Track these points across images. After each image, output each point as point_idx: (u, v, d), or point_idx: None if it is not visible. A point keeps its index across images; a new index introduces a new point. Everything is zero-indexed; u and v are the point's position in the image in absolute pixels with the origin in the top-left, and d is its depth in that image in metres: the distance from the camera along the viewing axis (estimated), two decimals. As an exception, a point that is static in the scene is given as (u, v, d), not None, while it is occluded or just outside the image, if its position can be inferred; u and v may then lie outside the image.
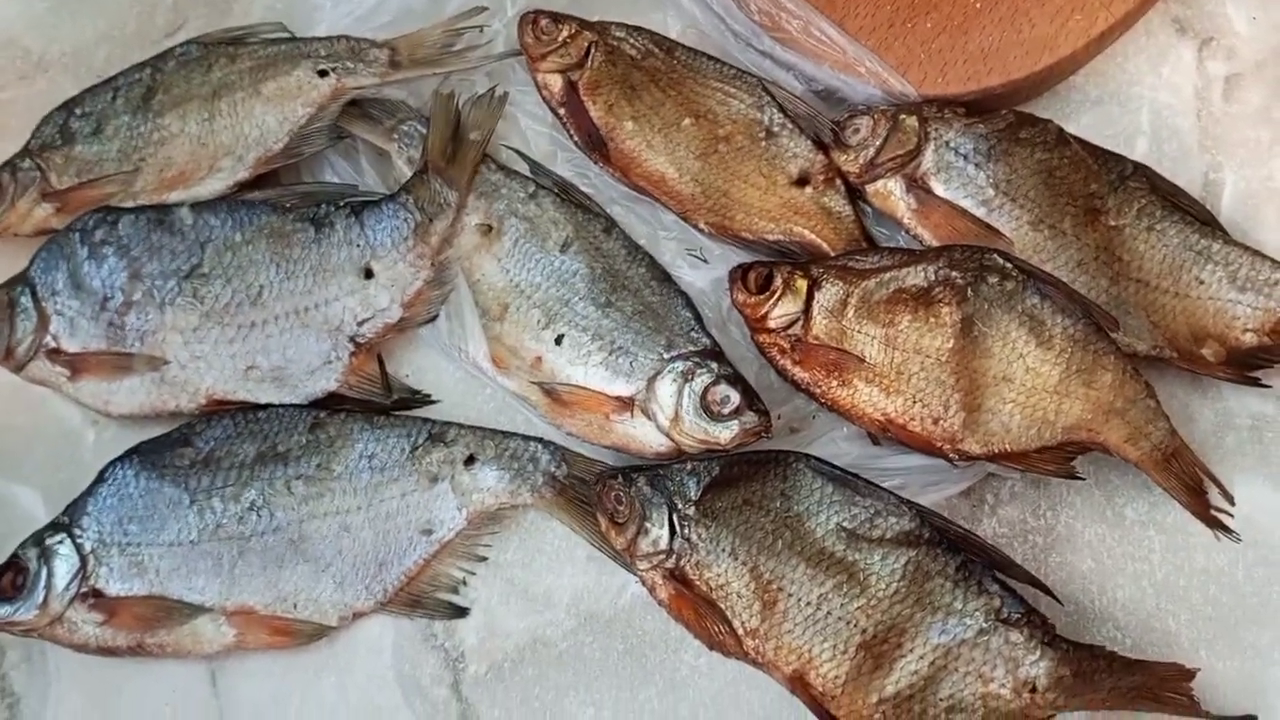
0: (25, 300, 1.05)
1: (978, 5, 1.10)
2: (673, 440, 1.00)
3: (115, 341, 1.04)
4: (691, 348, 1.01)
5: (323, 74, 1.11)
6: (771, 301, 1.01)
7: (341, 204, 1.07)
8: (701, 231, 1.09)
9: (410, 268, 1.06)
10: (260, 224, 1.06)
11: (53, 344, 1.04)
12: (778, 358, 1.01)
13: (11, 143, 1.13)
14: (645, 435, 1.00)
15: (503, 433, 1.04)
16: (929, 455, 0.98)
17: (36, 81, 1.20)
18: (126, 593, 0.99)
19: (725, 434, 0.98)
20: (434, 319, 1.07)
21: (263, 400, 1.04)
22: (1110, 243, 1.03)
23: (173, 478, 1.00)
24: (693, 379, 0.99)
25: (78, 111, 1.13)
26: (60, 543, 0.99)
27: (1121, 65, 1.14)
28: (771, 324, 1.01)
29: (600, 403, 1.01)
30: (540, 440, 1.03)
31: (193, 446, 1.02)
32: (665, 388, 1.00)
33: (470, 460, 1.02)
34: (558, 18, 1.12)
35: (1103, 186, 1.05)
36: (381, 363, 1.07)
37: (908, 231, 1.06)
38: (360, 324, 1.06)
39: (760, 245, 1.08)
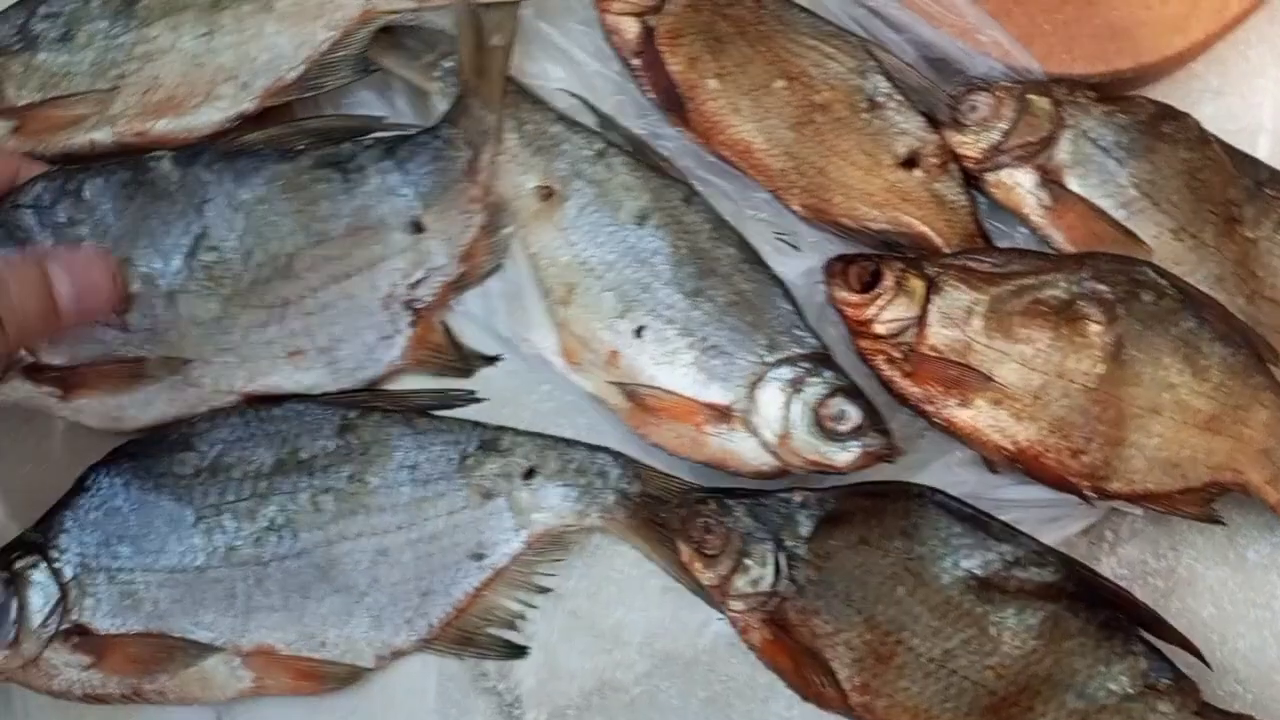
0: None
1: (1106, -23, 0.98)
2: (779, 459, 0.86)
3: (116, 346, 0.84)
4: (798, 349, 0.88)
5: None
6: (879, 302, 0.89)
7: (369, 142, 0.90)
8: (794, 213, 0.95)
9: (462, 214, 0.90)
10: (270, 174, 0.87)
11: (27, 358, 0.83)
12: (884, 368, 0.89)
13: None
14: (745, 451, 0.87)
15: (565, 441, 0.89)
16: (1057, 490, 0.87)
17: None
18: (118, 629, 0.81)
19: (844, 456, 0.85)
20: (495, 271, 0.91)
21: (316, 391, 0.88)
22: (1247, 257, 0.93)
23: (173, 489, 0.83)
24: (803, 389, 0.86)
25: (42, 11, 0.92)
26: (34, 566, 0.81)
27: (1244, 53, 1.03)
28: (879, 329, 0.89)
29: (692, 411, 0.87)
30: (608, 451, 0.89)
31: (195, 451, 0.84)
32: (770, 397, 0.86)
33: (530, 473, 0.87)
34: (631, -51, 0.95)
35: (1240, 193, 0.94)
36: (448, 330, 0.90)
37: (1034, 231, 0.94)
38: (415, 286, 0.89)
39: (861, 234, 0.94)
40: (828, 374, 0.87)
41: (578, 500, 0.87)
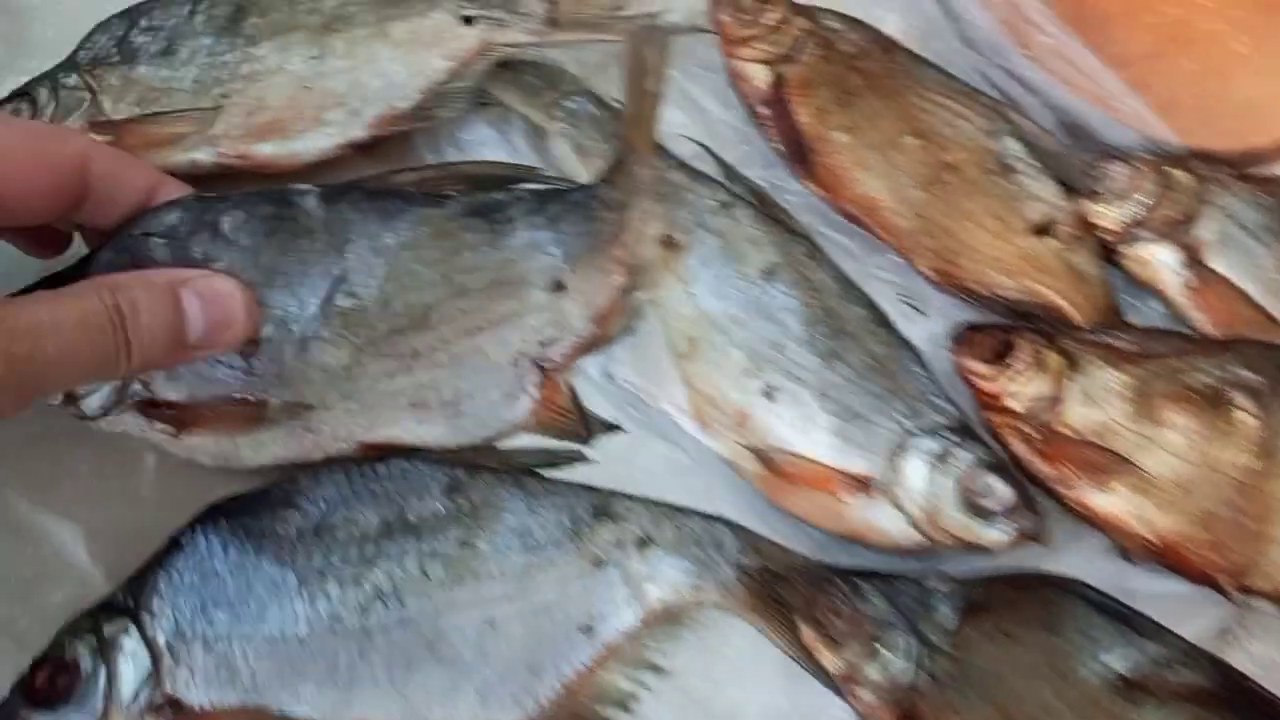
0: None
1: (1241, 50, 0.95)
2: (925, 535, 0.82)
3: (238, 388, 0.78)
4: (939, 419, 0.84)
5: (468, 21, 0.89)
6: (1014, 376, 0.84)
7: (520, 193, 0.84)
8: (922, 275, 0.90)
9: (604, 275, 0.84)
10: (415, 217, 0.81)
11: (143, 392, 0.78)
12: (1016, 445, 0.85)
13: (48, 62, 0.87)
14: (888, 524, 0.82)
15: (680, 509, 0.83)
16: (1198, 584, 0.83)
17: (80, -16, 0.92)
18: (215, 704, 0.74)
19: (995, 535, 0.81)
20: (630, 334, 0.86)
21: (432, 444, 0.82)
22: (1386, 349, 0.90)
23: (274, 550, 0.77)
24: (949, 461, 0.82)
25: (143, 23, 0.88)
26: (124, 633, 0.74)
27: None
28: (1012, 403, 0.85)
29: (830, 479, 0.82)
30: (725, 521, 0.83)
31: (299, 510, 0.78)
32: (914, 469, 0.82)
33: (644, 543, 0.82)
34: (765, -7, 0.91)
35: (1379, 278, 0.91)
36: (574, 393, 0.85)
37: (1172, 309, 0.91)
38: (546, 345, 0.84)
39: (990, 300, 0.90)
40: (974, 446, 0.83)
41: (694, 573, 0.82)
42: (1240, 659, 0.86)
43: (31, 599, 0.79)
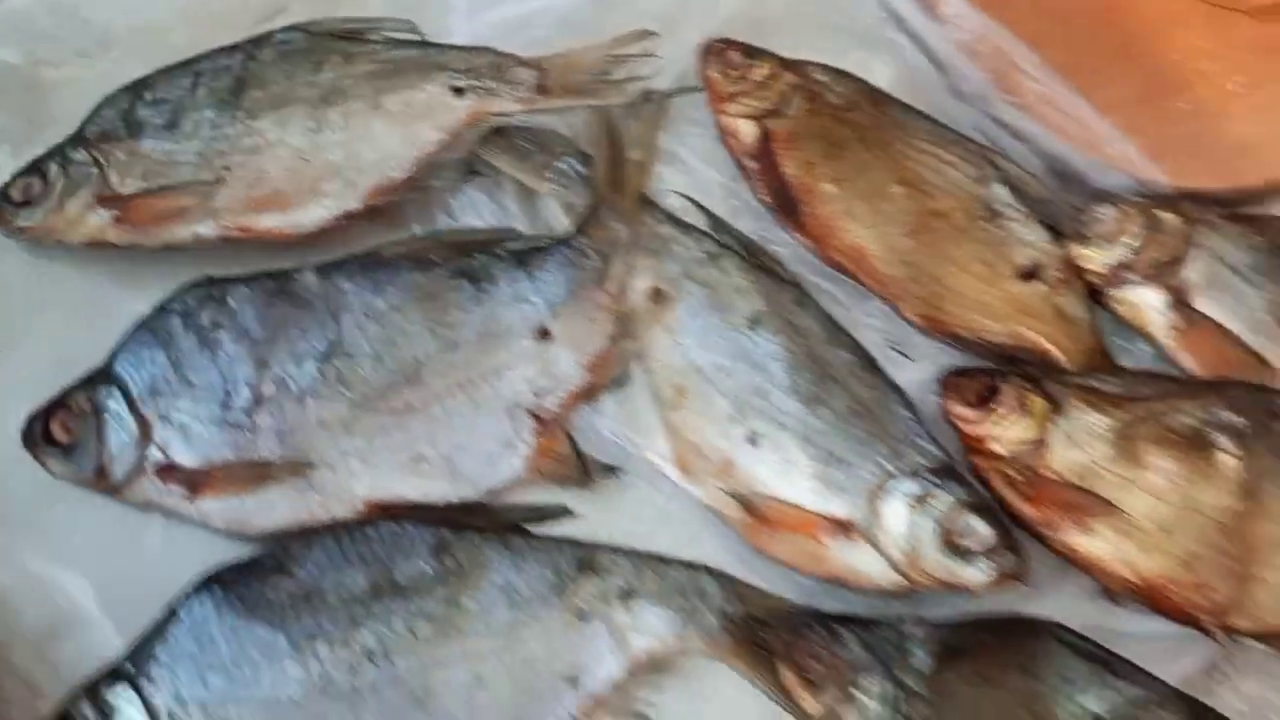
0: (115, 405, 0.84)
1: (1234, 90, 0.95)
2: (905, 577, 0.83)
3: (246, 448, 0.84)
4: (921, 460, 0.85)
5: (458, 92, 0.92)
6: (999, 420, 0.85)
7: (502, 253, 0.89)
8: (907, 322, 0.92)
9: (590, 322, 0.88)
10: (404, 284, 0.87)
11: (161, 459, 0.83)
12: (1001, 488, 0.86)
13: (65, 133, 0.93)
14: (868, 567, 0.84)
15: (663, 559, 0.86)
16: (1181, 624, 0.84)
17: (98, 61, 0.99)
18: None
19: (976, 576, 0.82)
20: (623, 382, 0.89)
21: (435, 498, 0.86)
22: (1385, 392, 0.89)
23: (266, 616, 0.80)
24: (930, 503, 0.83)
25: (148, 97, 0.92)
26: (124, 698, 0.79)
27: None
28: (996, 448, 0.86)
29: (811, 523, 0.84)
30: (708, 569, 0.86)
31: (291, 576, 0.82)
32: (895, 511, 0.83)
33: (627, 594, 0.84)
34: (751, 51, 0.95)
35: (1373, 317, 0.90)
36: (572, 440, 0.88)
37: (1159, 352, 0.91)
38: (540, 395, 0.87)
39: (978, 345, 0.92)
40: (955, 487, 0.84)
41: (678, 622, 0.84)
42: (1229, 698, 0.87)
43: (45, 649, 0.84)
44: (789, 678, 0.82)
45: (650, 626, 0.84)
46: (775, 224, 0.94)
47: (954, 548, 0.83)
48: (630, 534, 0.88)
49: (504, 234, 0.92)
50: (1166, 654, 0.85)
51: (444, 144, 0.92)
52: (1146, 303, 0.90)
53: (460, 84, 0.92)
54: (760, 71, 0.94)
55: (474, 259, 0.89)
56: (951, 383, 0.88)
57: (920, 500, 0.83)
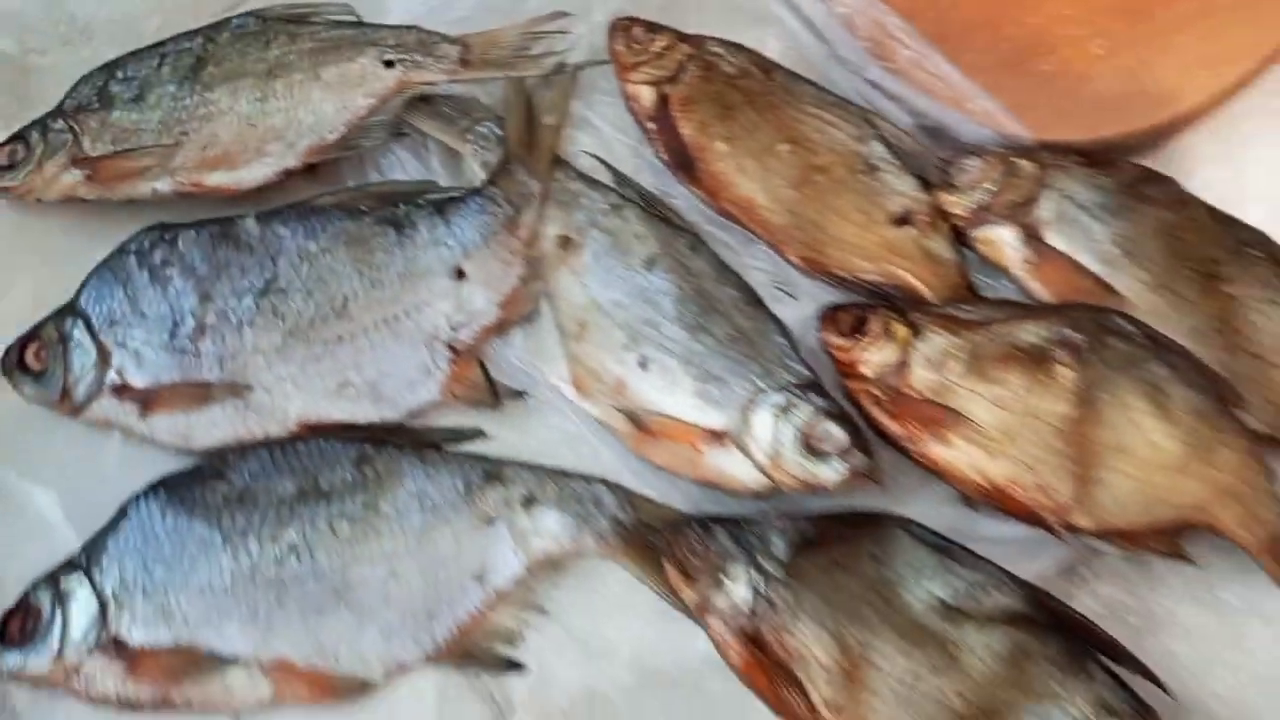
0: (79, 334, 0.95)
1: (1098, 51, 1.05)
2: (770, 478, 0.92)
3: (190, 370, 0.95)
4: (790, 378, 0.94)
5: (388, 64, 1.03)
6: (866, 346, 0.94)
7: (422, 202, 1.00)
8: (791, 264, 1.01)
9: (502, 264, 0.99)
10: (335, 230, 0.98)
11: (117, 380, 0.95)
12: (869, 407, 0.94)
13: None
14: (738, 471, 0.93)
15: (564, 472, 0.96)
16: (1030, 525, 0.91)
17: (79, 48, 1.12)
18: (151, 643, 0.89)
19: (831, 475, 0.91)
20: (533, 318, 1.00)
21: (360, 419, 0.96)
22: (1227, 312, 0.97)
23: (204, 516, 0.91)
24: (793, 412, 0.92)
25: (119, 75, 1.04)
26: (78, 584, 0.90)
27: (1238, 126, 1.08)
28: (865, 370, 0.94)
29: (689, 433, 0.93)
30: (604, 482, 0.95)
31: (226, 481, 0.92)
32: (762, 420, 0.93)
33: (529, 501, 0.94)
34: (653, 27, 1.05)
35: (1222, 252, 0.99)
36: (484, 368, 0.98)
37: (1016, 284, 0.99)
38: (456, 329, 0.98)
39: (854, 284, 1.01)
40: (817, 399, 0.93)
41: (574, 526, 0.94)
42: (1087, 600, 0.95)
43: (15, 554, 0.95)
44: (671, 573, 0.91)
45: (549, 530, 0.94)
46: (673, 179, 1.04)
47: (812, 450, 0.91)
48: (536, 452, 0.98)
49: (425, 185, 1.03)
50: (1023, 556, 0.92)
51: (374, 109, 1.03)
52: (1003, 240, 0.99)
53: (390, 57, 1.03)
54: (659, 44, 1.05)
55: (398, 208, 0.99)
56: (828, 316, 0.97)
57: (784, 410, 0.93)
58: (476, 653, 0.93)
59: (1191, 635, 0.94)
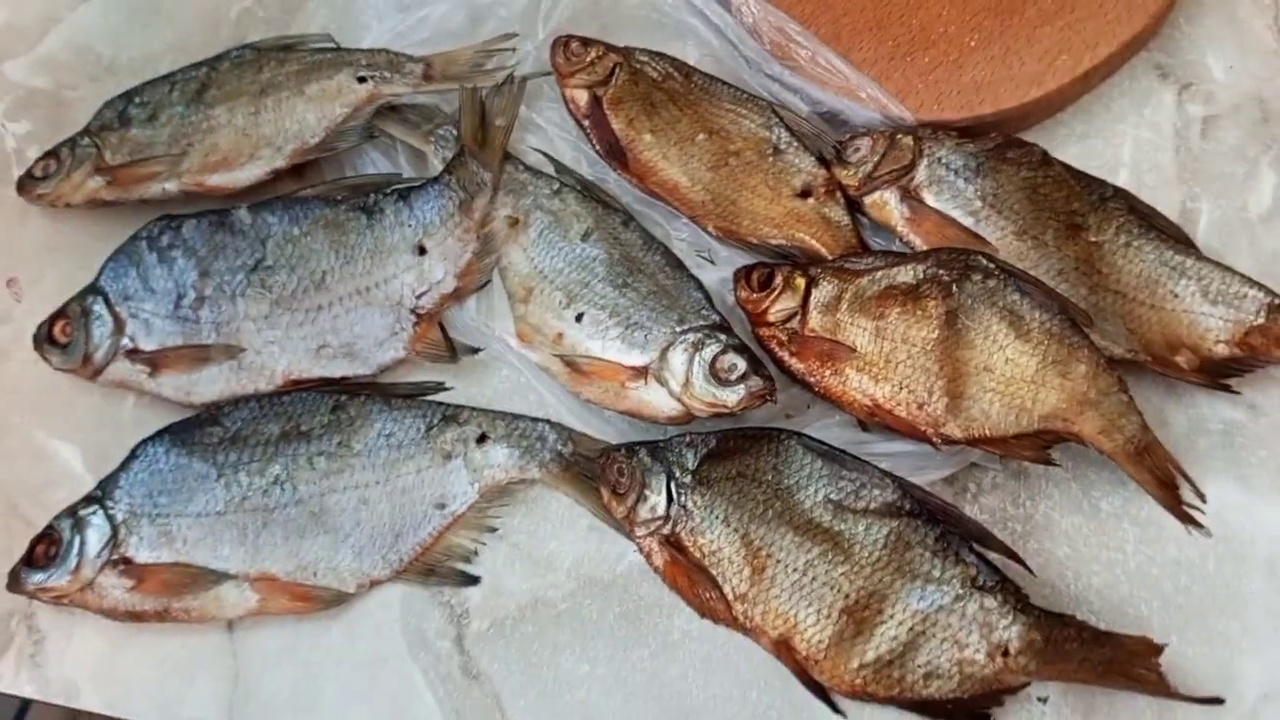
0: (99, 308, 1.11)
1: (972, 44, 1.19)
2: (683, 404, 1.06)
3: (191, 335, 1.11)
4: (703, 323, 1.08)
5: (361, 80, 1.20)
6: (772, 298, 1.08)
7: (389, 191, 1.16)
8: (710, 235, 1.16)
9: (459, 242, 1.14)
10: (315, 217, 1.14)
11: (130, 345, 1.11)
12: (776, 349, 1.08)
13: (80, 133, 1.23)
14: (658, 400, 1.07)
15: (512, 414, 1.10)
16: (914, 440, 1.04)
17: (105, 83, 1.29)
18: (155, 560, 1.04)
19: (732, 397, 1.05)
20: (485, 286, 1.15)
21: (337, 375, 1.12)
22: (1090, 256, 1.10)
23: (201, 454, 1.06)
24: (703, 348, 1.06)
25: (136, 100, 1.22)
26: (93, 513, 1.05)
27: (1107, 105, 1.22)
28: (771, 318, 1.08)
29: (616, 371, 1.08)
30: (547, 421, 1.10)
31: (221, 426, 1.08)
32: (677, 357, 1.07)
33: (482, 439, 1.09)
34: (587, 41, 1.21)
35: (1084, 205, 1.12)
36: (443, 328, 1.14)
37: (901, 239, 1.13)
38: (419, 296, 1.13)
39: (764, 249, 1.15)
40: (723, 336, 1.07)
41: (520, 458, 1.09)
42: (973, 510, 1.07)
43: (41, 497, 1.11)
44: (603, 494, 1.05)
45: (499, 462, 1.08)
46: (607, 168, 1.19)
47: (718, 378, 1.06)
48: (490, 400, 1.13)
49: (391, 177, 1.19)
50: (914, 471, 1.05)
51: (349, 117, 1.20)
52: (886, 202, 1.13)
53: (363, 74, 1.21)
54: (593, 54, 1.20)
55: (368, 196, 1.16)
56: (740, 275, 1.10)
57: (696, 347, 1.07)
58: (437, 568, 1.07)
59: (1070, 538, 1.06)
